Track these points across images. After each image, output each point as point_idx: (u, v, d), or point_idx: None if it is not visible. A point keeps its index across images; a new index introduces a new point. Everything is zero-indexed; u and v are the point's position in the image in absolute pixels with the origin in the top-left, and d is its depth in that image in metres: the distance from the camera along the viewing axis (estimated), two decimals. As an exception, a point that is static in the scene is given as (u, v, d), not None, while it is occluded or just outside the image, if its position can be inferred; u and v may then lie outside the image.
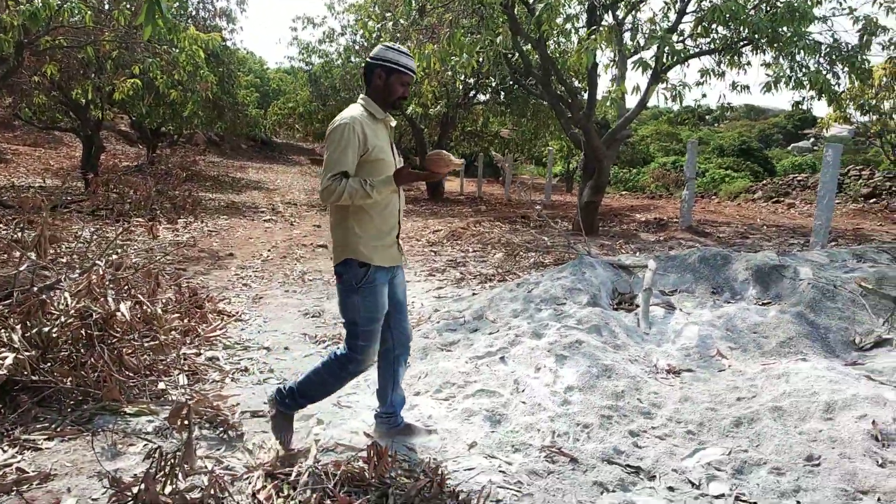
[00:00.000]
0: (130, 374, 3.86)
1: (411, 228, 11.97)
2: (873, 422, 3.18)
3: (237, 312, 5.74)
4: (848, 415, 3.30)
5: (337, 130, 2.77)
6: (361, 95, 2.95)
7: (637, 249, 8.85)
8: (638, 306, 4.94)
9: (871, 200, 16.70)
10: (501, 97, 15.90)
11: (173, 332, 4.48)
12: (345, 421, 3.55)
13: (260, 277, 7.31)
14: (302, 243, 9.81)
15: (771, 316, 4.57)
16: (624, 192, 22.20)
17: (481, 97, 17.96)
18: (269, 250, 9.03)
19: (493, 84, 14.71)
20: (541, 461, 3.11)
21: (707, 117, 37.99)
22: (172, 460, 2.61)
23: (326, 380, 3.04)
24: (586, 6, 8.80)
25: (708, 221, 12.52)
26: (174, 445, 3.08)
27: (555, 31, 9.80)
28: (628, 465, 3.09)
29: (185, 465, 2.62)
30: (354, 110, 2.85)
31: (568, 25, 9.03)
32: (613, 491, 2.90)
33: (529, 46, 9.58)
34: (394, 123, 3.03)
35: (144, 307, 4.12)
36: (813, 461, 3.02)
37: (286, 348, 4.85)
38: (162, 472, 2.59)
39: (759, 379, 3.84)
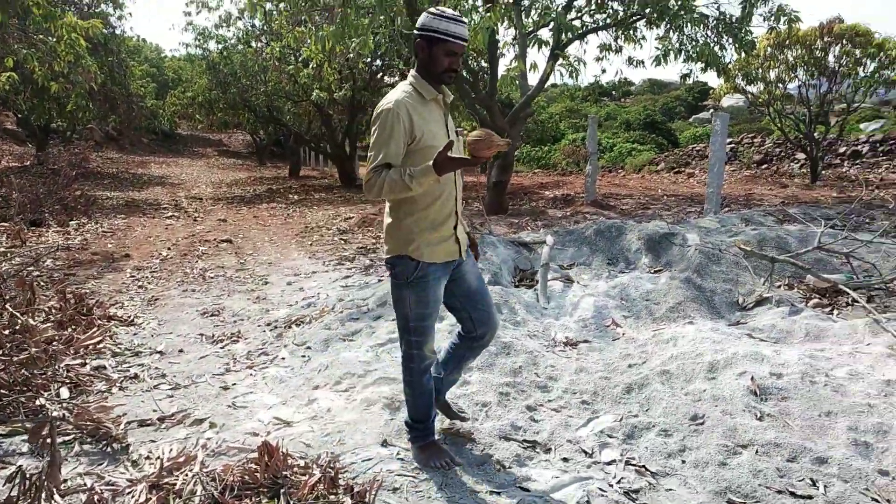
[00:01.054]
0: (3, 392, 3.58)
1: (322, 217, 11.75)
2: (752, 378, 3.35)
3: (130, 317, 5.45)
4: (729, 373, 3.46)
5: (379, 118, 2.47)
6: (411, 72, 2.60)
7: (544, 226, 9.00)
8: (538, 282, 5.01)
9: (763, 166, 17.69)
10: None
11: (54, 343, 4.20)
12: (240, 422, 3.43)
13: (157, 278, 6.97)
14: (205, 239, 9.44)
15: (661, 283, 4.74)
16: (537, 170, 22.57)
17: (389, 79, 17.75)
18: (168, 248, 8.64)
19: (399, 66, 14.53)
20: (438, 442, 3.10)
21: (613, 93, 39.11)
22: (37, 482, 2.44)
23: (409, 391, 2.85)
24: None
25: (613, 195, 12.90)
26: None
27: (455, 10, 9.76)
28: (525, 440, 3.12)
29: (51, 486, 2.45)
30: (399, 92, 2.52)
31: (466, 4, 8.99)
32: (510, 467, 2.93)
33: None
34: (451, 99, 2.68)
35: (14, 318, 3.83)
36: (698, 420, 3.15)
37: (181, 351, 4.65)
38: (26, 496, 2.41)
39: (650, 345, 3.98)
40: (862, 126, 20.73)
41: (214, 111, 18.79)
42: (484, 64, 13.43)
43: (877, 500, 2.52)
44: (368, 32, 7.69)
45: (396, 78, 17.06)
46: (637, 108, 31.23)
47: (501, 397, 3.47)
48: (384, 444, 3.11)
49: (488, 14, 7.19)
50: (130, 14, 46.23)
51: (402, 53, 11.06)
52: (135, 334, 5.02)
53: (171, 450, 2.99)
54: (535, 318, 4.55)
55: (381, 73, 17.24)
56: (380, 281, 6.19)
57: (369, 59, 15.01)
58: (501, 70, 10.41)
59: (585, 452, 3.01)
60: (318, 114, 18.27)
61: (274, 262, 7.75)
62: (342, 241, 9.03)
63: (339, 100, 16.09)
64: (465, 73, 10.33)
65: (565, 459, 2.97)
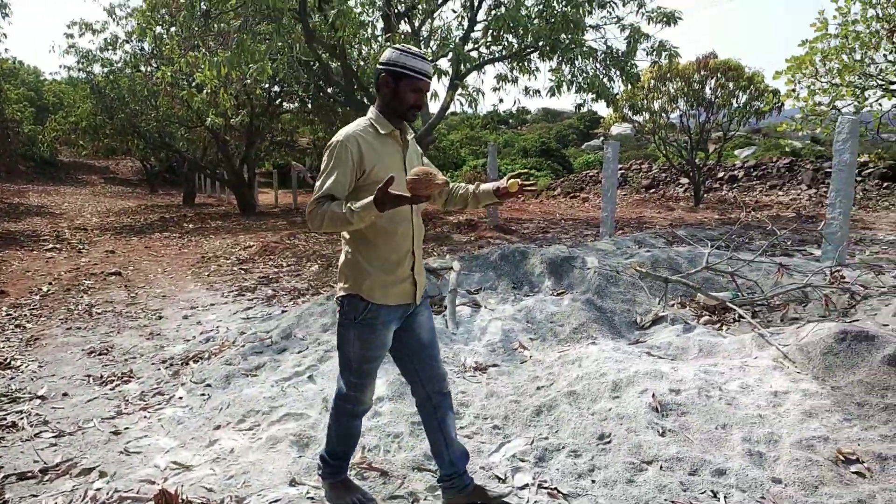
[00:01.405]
0: None
1: (219, 246, 11.30)
2: (653, 395, 3.48)
3: (5, 359, 4.98)
4: (632, 391, 3.58)
5: (328, 149, 2.43)
6: (371, 108, 2.55)
7: (449, 251, 9.08)
8: (446, 307, 5.02)
9: (651, 191, 18.76)
10: (309, 105, 15.58)
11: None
12: (133, 469, 3.19)
13: (37, 315, 6.43)
14: (91, 272, 8.83)
15: (565, 305, 4.87)
16: (439, 196, 22.80)
17: (288, 105, 17.48)
18: (50, 283, 8.01)
19: (299, 92, 14.35)
20: (351, 479, 3.01)
21: (510, 121, 40.39)
22: None
23: (334, 427, 2.73)
24: (381, 14, 8.86)
25: (514, 219, 13.23)
26: None
27: (354, 39, 9.77)
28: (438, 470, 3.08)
29: None
30: (355, 125, 2.47)
31: (365, 33, 9.04)
32: (425, 499, 2.88)
33: (328, 54, 9.45)
34: (410, 136, 2.60)
35: None
36: (605, 439, 3.22)
37: (65, 394, 4.28)
38: None
39: (556, 366, 4.06)
40: (737, 152, 22.46)
41: (100, 137, 17.76)
42: (385, 91, 13.52)
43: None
44: (266, 59, 7.54)
45: (296, 104, 16.84)
46: (533, 136, 32.39)
47: (413, 427, 3.43)
48: (292, 483, 2.98)
49: (388, 43, 7.24)
50: (6, 35, 43.17)
51: (300, 80, 10.92)
52: (11, 378, 4.59)
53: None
54: (444, 344, 4.55)
55: (279, 100, 16.96)
56: (283, 312, 6.00)
57: (267, 85, 14.73)
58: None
59: (499, 478, 3.01)
60: (214, 140, 17.68)
61: (168, 295, 7.35)
62: (242, 271, 8.71)
63: (236, 126, 15.65)
64: (365, 101, 10.33)
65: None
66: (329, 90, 11.92)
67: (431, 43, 9.39)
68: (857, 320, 4.37)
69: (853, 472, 2.84)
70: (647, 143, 16.71)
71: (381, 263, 2.48)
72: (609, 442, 3.20)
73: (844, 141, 6.03)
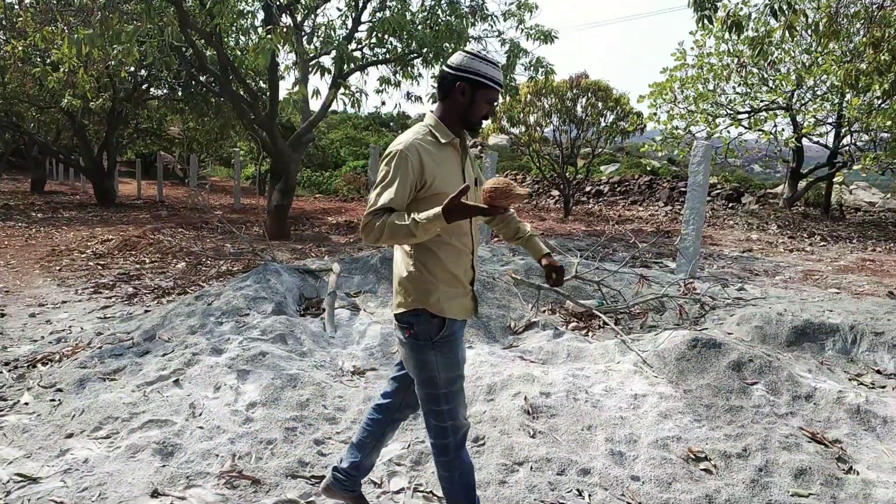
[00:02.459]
0: None
1: (73, 239, 10.41)
2: (525, 398, 3.61)
3: None
4: (505, 394, 3.69)
5: (387, 158, 2.22)
6: (429, 112, 2.35)
7: (328, 252, 8.93)
8: (325, 310, 4.93)
9: (525, 201, 19.51)
10: (179, 93, 14.73)
11: None
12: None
13: None
14: (-85, 263, 7.82)
15: (443, 310, 4.94)
16: (318, 195, 22.40)
17: (156, 91, 16.43)
18: None
19: (169, 78, 13.53)
20: (220, 489, 2.88)
21: (392, 124, 40.45)
22: None
23: (447, 476, 2.41)
24: (262, 4, 8.56)
25: (393, 222, 13.25)
26: None
27: (232, 28, 9.38)
28: (313, 476, 3.02)
29: None
30: (412, 133, 2.27)
31: (244, 22, 8.71)
32: (298, 506, 2.81)
33: (204, 41, 9.01)
34: (470, 143, 2.36)
35: None
36: (479, 442, 3.30)
37: None
38: None
39: (434, 371, 4.11)
40: (603, 168, 23.86)
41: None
42: (263, 85, 13.09)
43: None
44: (133, 41, 7.05)
45: (165, 91, 15.88)
46: (414, 140, 32.54)
47: (288, 433, 3.33)
48: (155, 494, 2.80)
49: (269, 36, 7.01)
50: None
51: (171, 66, 10.32)
52: None
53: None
54: (321, 347, 4.46)
55: (146, 85, 15.91)
56: (146, 312, 5.63)
57: (133, 69, 13.77)
58: (283, 93, 10.22)
59: (374, 483, 3.00)
60: (70, 123, 16.27)
61: (12, 291, 6.67)
62: (99, 267, 8.08)
63: (97, 109, 14.49)
64: (243, 94, 9.94)
65: (355, 493, 2.93)
66: (203, 79, 11.36)
67: (314, 39, 9.22)
68: (707, 328, 4.79)
69: (702, 469, 3.10)
70: (523, 154, 17.36)
71: (446, 276, 2.31)
72: (483, 444, 3.28)
73: (698, 164, 6.59)
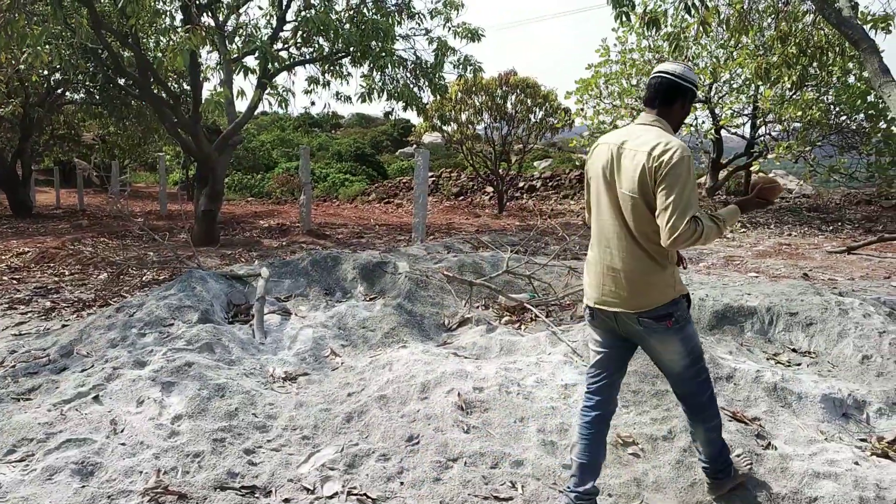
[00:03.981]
0: None
1: (-15, 253, 9.81)
2: (458, 394, 3.62)
3: None
4: (439, 391, 3.69)
5: (679, 163, 2.28)
6: (655, 117, 2.49)
7: (259, 257, 8.74)
8: (254, 316, 4.82)
9: (460, 198, 19.61)
10: (97, 97, 14.10)
11: None
12: None
13: None
14: None
15: (377, 310, 4.91)
16: (250, 199, 21.91)
17: (73, 96, 15.69)
18: None
19: (85, 82, 12.93)
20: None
21: (324, 124, 39.95)
22: None
23: (714, 427, 2.73)
24: (180, 4, 8.29)
25: (328, 224, 13.09)
26: None
27: (150, 29, 9.06)
28: (243, 487, 2.94)
29: None
30: (672, 135, 2.45)
31: (162, 23, 8.42)
32: (228, 519, 2.73)
33: (119, 43, 8.65)
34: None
35: None
36: (413, 441, 3.29)
37: None
38: None
39: (367, 371, 4.08)
40: (536, 164, 24.23)
41: None
42: (187, 87, 12.69)
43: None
44: (42, 43, 6.70)
45: (81, 95, 15.17)
46: (348, 140, 32.33)
47: (216, 444, 3.24)
48: (73, 518, 2.67)
49: (189, 36, 6.80)
50: None
51: (84, 69, 9.87)
52: None
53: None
54: (251, 354, 4.36)
55: (61, 89, 15.17)
56: (64, 326, 5.37)
57: (46, 73, 13.11)
58: (206, 95, 9.92)
59: (307, 489, 2.95)
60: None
61: (-86, 311, 6.23)
62: (14, 281, 7.64)
63: (7, 116, 13.73)
64: (164, 96, 9.60)
65: (286, 500, 2.87)
66: (122, 82, 10.91)
67: (236, 39, 8.99)
68: (633, 316, 4.92)
69: (629, 454, 3.18)
70: (457, 152, 17.45)
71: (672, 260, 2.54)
72: (417, 443, 3.27)
73: (622, 157, 6.75)
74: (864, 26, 6.02)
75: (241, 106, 10.17)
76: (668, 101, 2.49)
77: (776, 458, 3.11)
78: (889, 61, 4.89)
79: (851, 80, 12.69)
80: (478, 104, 15.59)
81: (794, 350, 4.60)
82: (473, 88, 15.10)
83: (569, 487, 2.65)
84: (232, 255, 8.90)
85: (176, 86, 12.48)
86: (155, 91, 9.52)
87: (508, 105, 15.56)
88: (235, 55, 9.00)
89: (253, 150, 25.35)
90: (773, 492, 2.85)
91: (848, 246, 10.09)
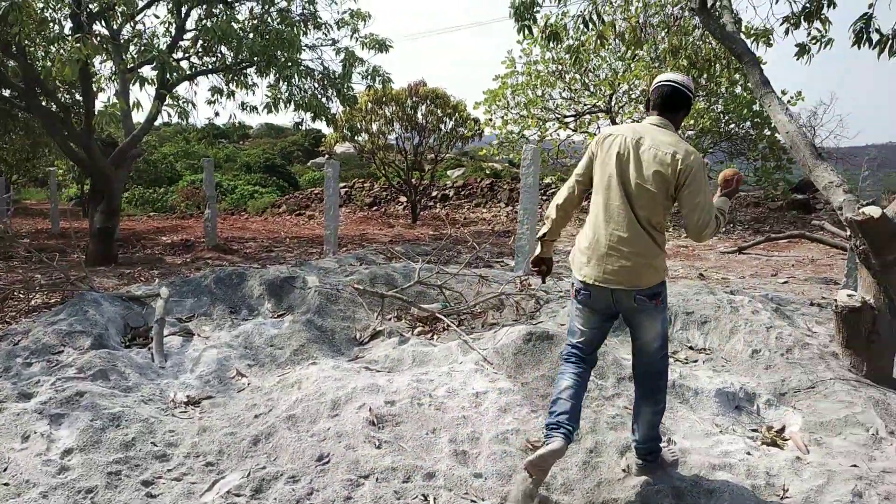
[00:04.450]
0: None
1: None
2: (370, 409, 3.58)
3: None
4: (350, 407, 3.64)
5: (699, 167, 2.73)
6: (664, 121, 2.85)
7: (161, 275, 8.33)
8: (152, 339, 4.59)
9: (374, 208, 19.51)
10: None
11: None
12: None
13: None
14: None
15: (285, 327, 4.78)
16: (152, 214, 20.94)
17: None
18: None
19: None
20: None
21: (231, 135, 38.79)
22: None
23: (661, 410, 3.00)
24: (69, 12, 7.83)
25: (236, 238, 12.69)
26: None
27: (38, 38, 8.49)
28: (141, 522, 2.79)
29: None
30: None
31: (51, 32, 7.91)
32: (124, 558, 2.58)
33: (2, 52, 8.07)
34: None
35: None
36: (323, 460, 3.22)
37: None
38: None
39: (275, 391, 3.97)
40: (449, 173, 24.47)
41: None
42: (79, 97, 11.99)
43: (474, 501, 2.91)
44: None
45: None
46: (257, 151, 31.56)
47: (111, 478, 3.05)
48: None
49: (79, 45, 6.43)
50: None
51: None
52: None
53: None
54: (149, 380, 4.15)
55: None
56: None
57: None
58: (99, 106, 9.40)
59: (212, 518, 2.83)
60: None
61: None
62: None
63: None
64: (54, 108, 9.03)
65: (189, 532, 2.74)
66: (6, 93, 10.17)
67: (131, 48, 8.58)
68: (541, 322, 5.04)
69: (538, 458, 3.23)
70: (370, 162, 17.36)
71: None
72: (328, 462, 3.20)
73: (528, 166, 6.93)
74: (747, 40, 6.45)
75: (139, 117, 9.72)
76: (675, 107, 2.88)
77: (675, 452, 3.25)
78: (774, 72, 5.26)
79: (738, 90, 13.56)
80: (388, 114, 15.60)
81: (690, 347, 4.84)
82: (384, 99, 15.09)
83: (558, 423, 2.79)
84: (131, 275, 8.45)
85: (67, 97, 11.77)
86: (44, 103, 8.94)
87: (419, 115, 15.65)
88: (131, 65, 8.58)
89: (155, 162, 24.28)
90: (674, 485, 2.97)
91: (739, 246, 10.76)
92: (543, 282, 3.35)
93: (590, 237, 2.87)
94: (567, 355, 3.00)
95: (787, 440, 3.51)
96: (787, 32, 6.13)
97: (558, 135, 16.06)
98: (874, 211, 3.97)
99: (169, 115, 8.88)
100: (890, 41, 5.19)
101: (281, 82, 9.18)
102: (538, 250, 3.16)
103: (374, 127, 15.83)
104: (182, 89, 10.85)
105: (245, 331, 4.77)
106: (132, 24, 9.40)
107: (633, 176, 2.74)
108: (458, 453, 3.25)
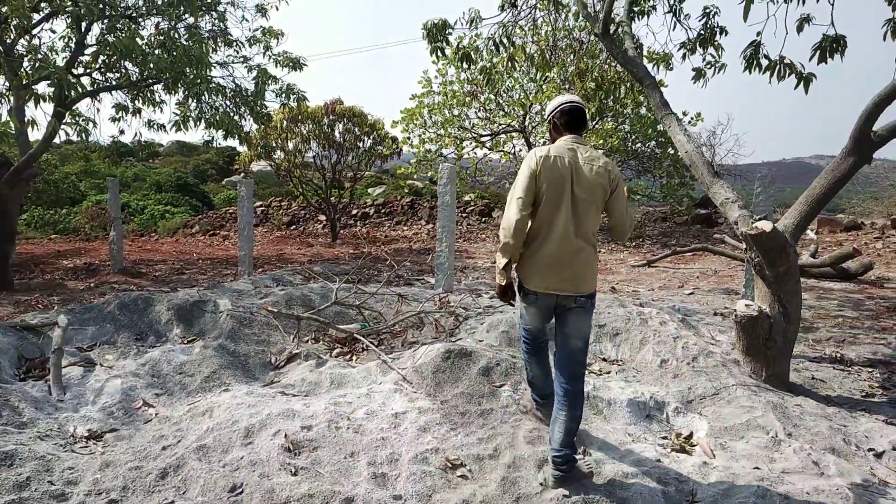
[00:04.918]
0: None
1: None
2: (285, 435, 3.48)
3: None
4: (265, 434, 3.53)
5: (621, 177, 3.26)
6: (580, 138, 3.24)
7: (61, 301, 7.85)
8: (49, 371, 4.30)
9: (292, 227, 19.15)
10: None
11: None
12: None
13: None
14: None
15: (195, 353, 4.60)
16: (53, 236, 19.72)
17: None
18: None
19: None
20: None
21: (139, 153, 37.20)
22: None
23: (579, 417, 3.16)
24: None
25: (144, 261, 12.14)
26: None
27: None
28: (35, 570, 2.59)
29: None
30: None
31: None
32: None
33: None
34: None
35: None
36: (237, 491, 3.10)
37: None
38: None
39: (185, 421, 3.80)
40: (370, 191, 24.39)
41: None
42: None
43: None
44: None
45: None
46: (168, 170, 30.45)
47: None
48: None
49: (-34, 58, 6.03)
50: None
51: None
52: None
53: None
54: (47, 414, 3.88)
55: None
56: None
57: None
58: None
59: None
60: None
61: None
62: None
63: None
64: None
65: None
66: None
67: (25, 63, 8.09)
68: (460, 339, 5.07)
69: (458, 476, 3.24)
70: (287, 181, 17.06)
71: None
72: (241, 493, 3.09)
73: (445, 185, 7.00)
74: (648, 64, 6.78)
75: (34, 136, 9.18)
76: (584, 125, 3.27)
77: (591, 462, 3.33)
78: (675, 94, 5.54)
79: (643, 111, 14.23)
80: (305, 132, 15.39)
81: (604, 359, 4.99)
82: (299, 117, 14.88)
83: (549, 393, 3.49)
84: (27, 302, 7.92)
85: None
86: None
87: (336, 133, 15.52)
88: (26, 81, 8.10)
89: (55, 182, 22.93)
90: (589, 496, 3.04)
91: (648, 260, 11.23)
92: (512, 304, 3.50)
93: (543, 250, 3.10)
94: (527, 346, 3.50)
95: (694, 446, 3.67)
96: (684, 57, 6.50)
97: (475, 153, 16.32)
98: (766, 225, 4.24)
99: (67, 134, 8.42)
100: (777, 66, 5.60)
101: (190, 99, 8.90)
102: (503, 281, 3.28)
103: (291, 145, 15.58)
104: (83, 106, 10.33)
105: (152, 358, 4.56)
106: (27, 38, 8.89)
107: (579, 192, 3.05)
108: (377, 476, 3.21)
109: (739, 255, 9.54)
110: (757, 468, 3.31)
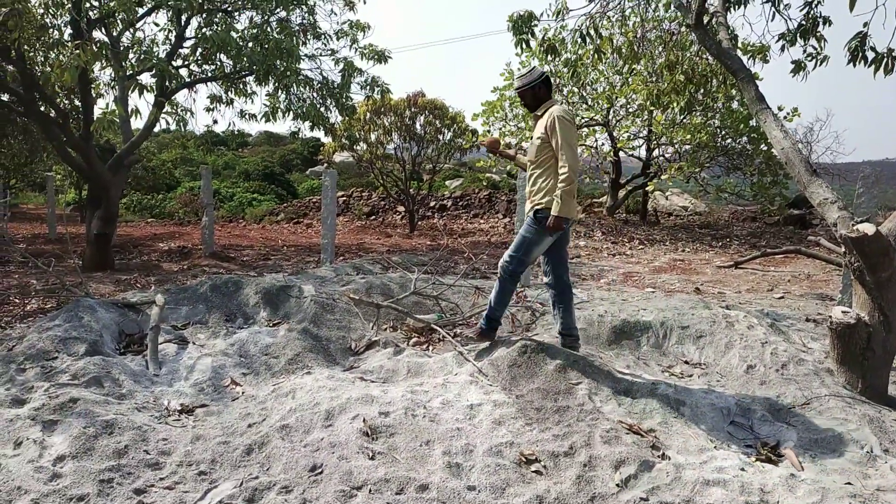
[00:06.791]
0: None
1: None
2: (364, 420, 3.57)
3: None
4: (344, 418, 3.63)
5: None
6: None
7: (157, 282, 8.32)
8: (147, 347, 4.58)
9: (372, 218, 19.52)
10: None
11: None
12: None
13: None
14: None
15: (280, 336, 4.78)
16: (150, 220, 20.91)
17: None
18: None
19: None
20: None
21: (230, 142, 38.85)
22: None
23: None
24: (69, 18, 7.85)
25: (233, 246, 12.68)
26: None
27: (38, 43, 8.53)
28: (132, 531, 2.77)
29: None
30: None
31: (49, 38, 7.95)
32: (114, 567, 2.56)
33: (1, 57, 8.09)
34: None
35: None
36: (317, 470, 3.21)
37: None
38: None
39: (270, 400, 3.96)
40: (448, 183, 24.52)
41: None
42: (78, 104, 12.00)
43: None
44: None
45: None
46: (255, 159, 31.61)
47: (103, 485, 3.04)
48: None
49: (78, 52, 6.45)
50: None
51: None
52: None
53: None
54: (144, 387, 4.14)
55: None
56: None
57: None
58: (98, 113, 9.42)
59: (204, 529, 2.81)
60: None
61: None
62: None
63: None
64: (53, 114, 9.04)
65: (181, 542, 2.73)
66: (4, 98, 10.19)
67: (130, 55, 8.60)
68: (537, 334, 5.04)
69: (533, 471, 3.23)
70: (368, 172, 17.41)
71: None
72: (321, 472, 3.19)
73: (524, 179, 6.94)
74: (743, 56, 6.49)
75: (138, 124, 9.74)
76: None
77: (670, 467, 3.24)
78: (771, 88, 5.30)
79: (735, 105, 13.64)
80: (387, 124, 15.64)
81: (686, 362, 4.84)
82: (382, 109, 15.14)
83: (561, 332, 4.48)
84: (127, 281, 8.44)
85: (66, 103, 11.78)
86: (42, 108, 8.95)
87: (417, 126, 15.69)
88: (131, 72, 8.60)
89: (153, 169, 24.27)
90: (667, 501, 2.97)
91: (735, 261, 10.78)
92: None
93: (576, 184, 4.14)
94: (516, 278, 4.42)
95: (781, 457, 3.51)
96: (782, 49, 6.18)
97: (556, 147, 16.10)
98: (868, 228, 3.99)
99: (167, 123, 8.89)
100: (885, 59, 5.24)
101: (280, 91, 9.20)
102: (569, 213, 4.15)
103: (373, 137, 15.87)
104: (181, 96, 10.90)
105: (240, 339, 4.77)
106: (132, 31, 9.43)
107: None
108: (451, 465, 3.24)
109: (836, 258, 9.01)
110: (849, 483, 3.13)
